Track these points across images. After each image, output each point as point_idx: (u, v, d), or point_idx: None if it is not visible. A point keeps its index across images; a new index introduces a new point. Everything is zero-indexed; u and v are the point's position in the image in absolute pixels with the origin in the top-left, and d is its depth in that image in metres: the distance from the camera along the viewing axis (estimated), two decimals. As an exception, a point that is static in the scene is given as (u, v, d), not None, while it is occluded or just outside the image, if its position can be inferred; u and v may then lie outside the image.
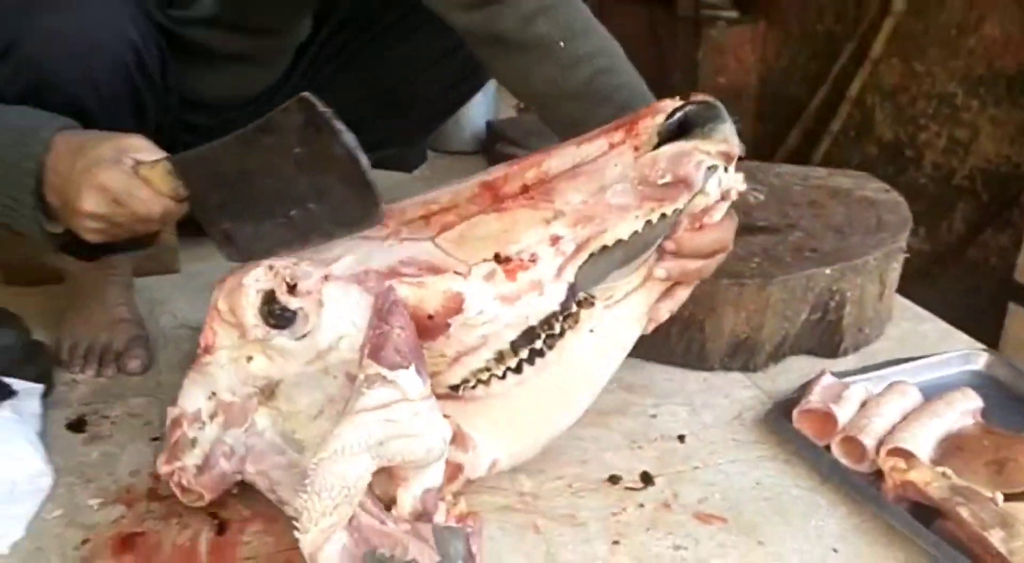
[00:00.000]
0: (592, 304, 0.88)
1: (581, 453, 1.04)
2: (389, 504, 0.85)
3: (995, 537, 0.84)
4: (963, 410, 1.04)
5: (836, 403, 1.03)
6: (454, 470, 0.89)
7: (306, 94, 0.82)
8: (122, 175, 0.88)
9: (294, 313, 0.85)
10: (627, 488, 0.98)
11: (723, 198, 0.90)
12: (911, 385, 1.07)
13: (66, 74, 0.99)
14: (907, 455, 0.95)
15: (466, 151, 1.95)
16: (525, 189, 0.88)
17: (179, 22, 1.15)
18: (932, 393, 1.06)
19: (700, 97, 0.89)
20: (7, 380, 1.05)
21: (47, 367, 1.15)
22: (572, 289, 0.85)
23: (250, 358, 0.89)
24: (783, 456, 1.04)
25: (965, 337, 1.28)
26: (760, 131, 3.48)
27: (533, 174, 0.89)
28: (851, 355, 1.23)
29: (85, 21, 1.00)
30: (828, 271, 1.16)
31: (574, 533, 0.92)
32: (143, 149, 0.89)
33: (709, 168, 0.85)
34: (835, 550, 0.90)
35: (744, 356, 1.18)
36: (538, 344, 0.86)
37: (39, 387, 1.07)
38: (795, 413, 1.05)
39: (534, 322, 0.84)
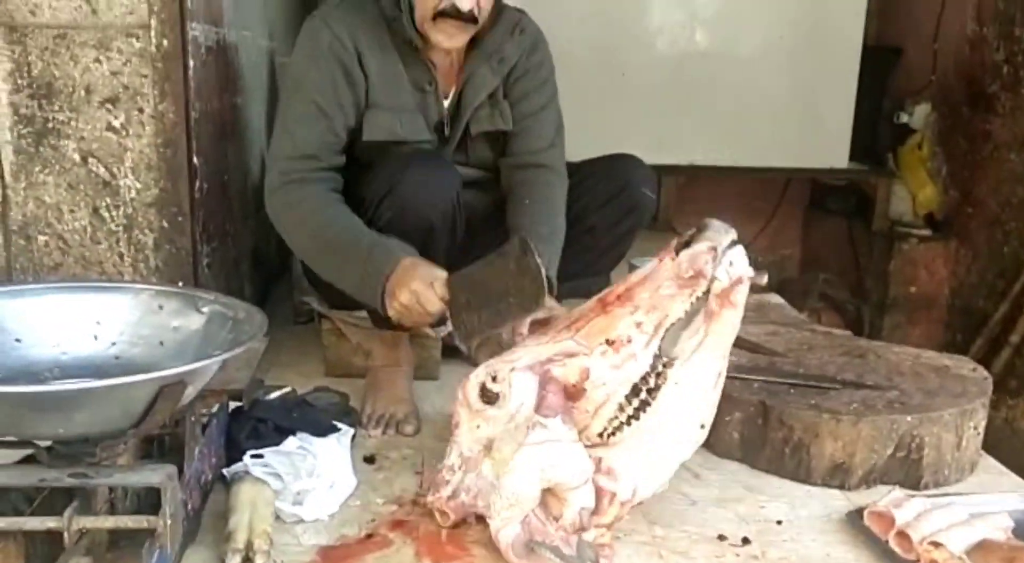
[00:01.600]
0: (672, 364, 1.34)
1: (702, 520, 1.47)
2: (558, 518, 1.33)
3: (981, 595, 1.18)
4: (996, 526, 1.37)
5: (898, 508, 1.40)
6: (611, 496, 1.35)
7: (523, 235, 1.50)
8: (423, 285, 1.55)
9: (497, 394, 1.38)
10: (730, 544, 1.40)
11: (739, 281, 1.34)
12: (960, 505, 1.42)
13: (423, 203, 1.69)
14: (938, 545, 1.31)
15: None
16: (619, 298, 1.39)
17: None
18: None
19: (706, 220, 1.39)
20: (335, 422, 1.64)
21: (355, 423, 1.74)
22: (657, 356, 1.33)
23: (478, 426, 1.43)
24: (852, 542, 1.41)
25: (1033, 489, 1.59)
26: (948, 339, 3.73)
27: (623, 287, 1.40)
28: (931, 490, 1.57)
29: (434, 174, 1.71)
30: (909, 418, 1.54)
31: (685, 561, 1.35)
32: (440, 277, 1.56)
33: (712, 260, 1.32)
34: (870, 597, 1.27)
35: (841, 476, 1.57)
36: (643, 395, 1.33)
37: (351, 430, 1.66)
38: (866, 512, 1.43)
39: (636, 380, 1.33)
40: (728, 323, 1.39)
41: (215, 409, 1.48)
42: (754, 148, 3.79)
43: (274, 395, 1.75)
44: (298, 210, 1.72)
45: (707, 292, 1.37)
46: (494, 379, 1.40)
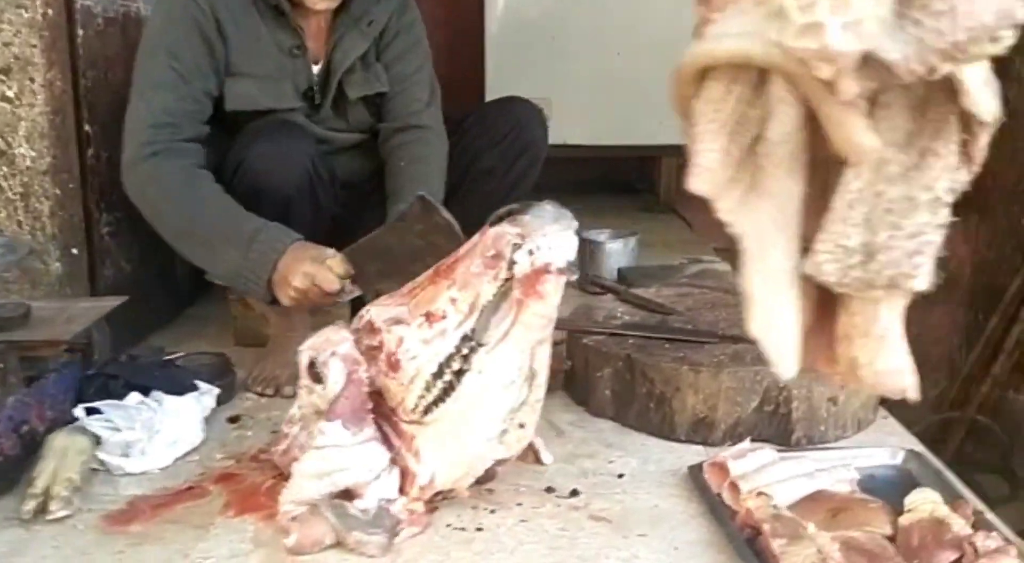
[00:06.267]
0: (477, 351, 1.25)
1: (538, 475, 1.39)
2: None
3: (776, 543, 1.07)
4: (839, 478, 1.25)
5: (737, 460, 1.30)
6: (412, 477, 1.27)
7: (422, 192, 1.46)
8: (318, 265, 1.51)
9: (320, 374, 1.32)
10: (557, 496, 1.32)
11: (545, 270, 1.23)
12: (811, 459, 1.30)
13: (274, 176, 1.65)
14: (761, 495, 1.20)
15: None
16: (448, 268, 1.30)
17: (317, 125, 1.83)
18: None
19: (536, 202, 1.27)
20: (197, 383, 1.63)
21: (232, 384, 1.73)
22: (466, 337, 1.24)
23: (310, 391, 1.37)
24: (686, 495, 1.31)
25: (920, 446, 1.45)
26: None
27: (452, 259, 1.30)
28: (805, 446, 1.45)
29: (282, 145, 1.67)
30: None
31: (504, 512, 1.28)
32: (332, 254, 1.52)
33: (515, 245, 1.22)
34: (676, 548, 1.17)
35: (704, 432, 1.46)
36: (447, 377, 1.24)
37: (216, 390, 1.64)
38: (705, 465, 1.32)
39: (442, 359, 1.24)
40: (535, 315, 1.25)
41: (58, 364, 1.50)
42: (757, 126, 3.65)
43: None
44: (163, 186, 1.63)
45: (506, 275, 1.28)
46: (318, 360, 1.33)
